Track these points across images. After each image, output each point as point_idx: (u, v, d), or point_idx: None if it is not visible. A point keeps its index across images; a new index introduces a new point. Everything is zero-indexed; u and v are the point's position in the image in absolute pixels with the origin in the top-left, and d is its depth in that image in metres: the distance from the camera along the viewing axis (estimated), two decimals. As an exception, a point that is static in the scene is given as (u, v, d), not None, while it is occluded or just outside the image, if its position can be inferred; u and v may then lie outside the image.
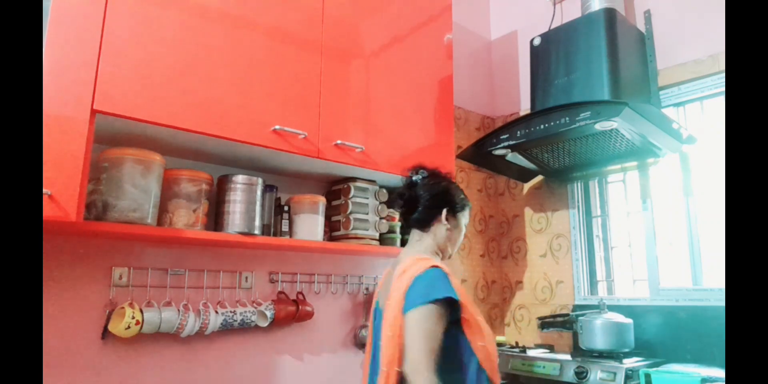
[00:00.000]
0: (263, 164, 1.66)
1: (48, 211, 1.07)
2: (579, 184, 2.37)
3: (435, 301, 1.16)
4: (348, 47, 1.71)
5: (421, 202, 1.40)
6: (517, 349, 2.15)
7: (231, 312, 1.55)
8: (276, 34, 1.53)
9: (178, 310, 1.45)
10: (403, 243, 1.96)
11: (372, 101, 1.75)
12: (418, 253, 1.36)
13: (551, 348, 2.19)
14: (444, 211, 1.39)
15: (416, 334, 1.15)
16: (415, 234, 1.43)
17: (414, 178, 1.44)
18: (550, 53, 2.18)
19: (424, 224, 1.40)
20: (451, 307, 1.19)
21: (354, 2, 1.75)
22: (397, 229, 1.94)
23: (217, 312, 1.52)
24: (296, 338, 1.80)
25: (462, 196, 1.46)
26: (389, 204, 1.93)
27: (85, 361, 1.37)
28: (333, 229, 1.81)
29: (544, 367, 1.90)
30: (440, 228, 1.39)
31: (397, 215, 1.96)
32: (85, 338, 1.38)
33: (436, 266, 1.24)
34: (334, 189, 1.86)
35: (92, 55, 1.19)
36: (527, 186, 2.54)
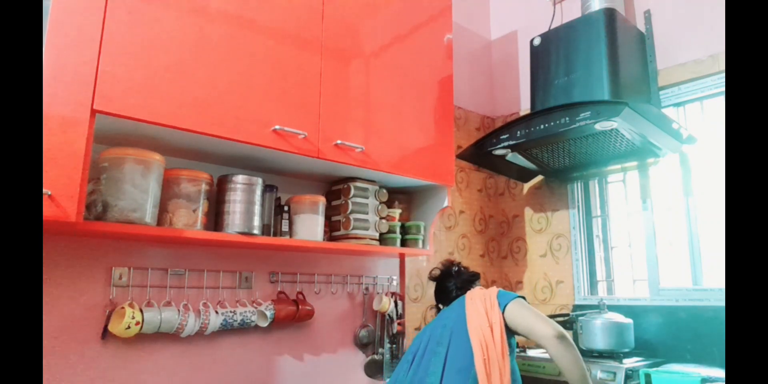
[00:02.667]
0: (263, 164, 1.66)
1: (48, 211, 1.07)
2: (579, 184, 2.37)
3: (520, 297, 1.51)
4: (348, 47, 1.71)
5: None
6: (517, 349, 2.15)
7: (231, 312, 1.55)
8: (276, 34, 1.53)
9: (178, 310, 1.45)
10: (404, 243, 1.96)
11: (372, 101, 1.75)
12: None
13: (551, 348, 2.18)
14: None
15: (529, 312, 1.44)
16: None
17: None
18: (550, 53, 2.18)
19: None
20: None
21: (354, 2, 1.75)
22: (397, 229, 1.94)
23: (217, 312, 1.52)
24: (296, 338, 1.80)
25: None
26: (389, 204, 1.93)
27: (85, 361, 1.37)
28: (333, 229, 1.81)
29: (544, 367, 1.90)
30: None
31: (397, 215, 1.96)
32: (85, 338, 1.38)
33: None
34: (334, 189, 1.86)
35: (92, 55, 1.19)
36: (527, 186, 2.54)
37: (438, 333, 1.52)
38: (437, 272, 1.71)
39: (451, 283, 1.65)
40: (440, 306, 1.70)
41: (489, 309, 1.46)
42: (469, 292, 1.58)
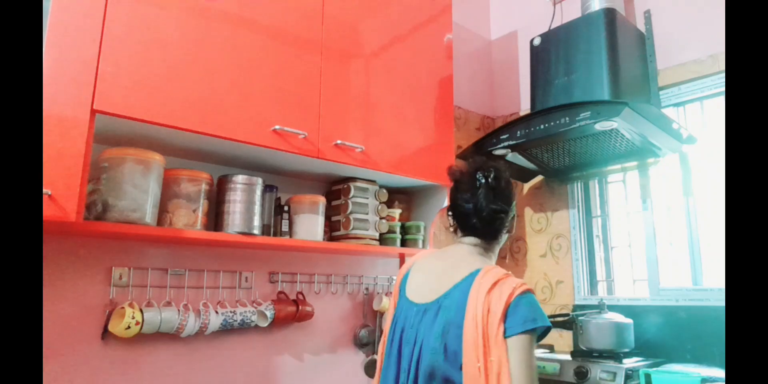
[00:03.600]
0: (263, 164, 1.66)
1: (48, 211, 1.07)
2: (579, 184, 2.37)
3: (541, 329, 1.03)
4: (348, 47, 1.71)
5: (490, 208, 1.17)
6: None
7: (231, 312, 1.55)
8: (276, 34, 1.53)
9: (178, 310, 1.45)
10: (404, 243, 1.96)
11: (372, 101, 1.75)
12: (486, 263, 1.17)
13: (551, 348, 2.19)
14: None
15: (524, 362, 0.99)
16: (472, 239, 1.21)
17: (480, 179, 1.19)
18: (550, 53, 2.18)
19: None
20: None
21: (354, 2, 1.75)
22: (397, 229, 1.94)
23: (217, 312, 1.52)
24: (296, 338, 1.80)
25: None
26: (389, 204, 1.93)
27: (85, 361, 1.37)
28: (333, 229, 1.81)
29: (544, 367, 1.90)
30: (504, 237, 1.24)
31: (396, 215, 1.96)
32: (85, 338, 1.38)
33: (531, 290, 1.07)
34: (334, 189, 1.86)
35: (92, 55, 1.19)
36: (527, 186, 2.54)
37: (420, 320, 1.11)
38: (456, 175, 1.22)
39: (472, 215, 1.17)
40: (457, 231, 1.23)
41: (494, 321, 1.01)
42: (480, 275, 1.08)
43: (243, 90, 1.43)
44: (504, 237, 1.24)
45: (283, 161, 1.63)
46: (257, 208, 1.54)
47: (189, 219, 1.43)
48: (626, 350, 1.87)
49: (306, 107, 1.56)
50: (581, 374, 1.76)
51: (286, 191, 1.77)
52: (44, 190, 1.06)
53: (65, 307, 1.36)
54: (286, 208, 1.69)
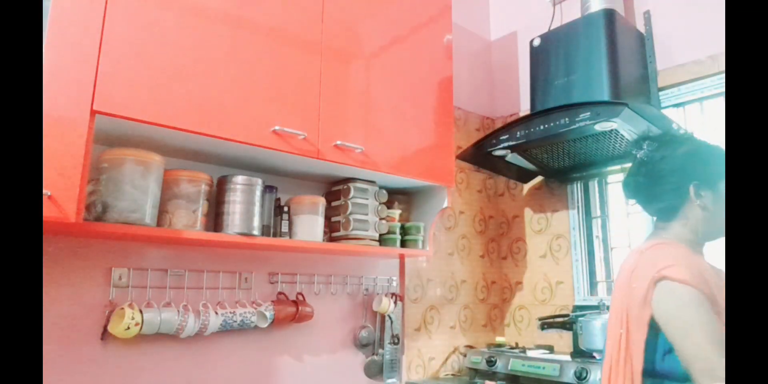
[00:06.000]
0: (263, 165, 1.66)
1: (48, 211, 1.07)
2: (579, 184, 2.37)
3: None
4: (348, 48, 1.71)
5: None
6: (517, 350, 2.15)
7: (231, 313, 1.55)
8: (276, 35, 1.53)
9: (178, 311, 1.45)
10: (403, 244, 1.96)
11: (372, 102, 1.75)
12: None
13: (551, 349, 2.19)
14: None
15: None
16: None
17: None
18: (549, 54, 2.18)
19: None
20: None
21: (354, 2, 1.75)
22: (397, 230, 1.94)
23: (216, 313, 1.52)
24: (296, 339, 1.79)
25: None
26: (389, 205, 1.92)
27: (85, 362, 1.37)
28: (333, 230, 1.81)
29: (544, 367, 1.89)
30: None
31: (396, 216, 1.96)
32: (85, 339, 1.37)
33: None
34: (334, 190, 1.86)
35: (92, 55, 1.19)
36: (527, 187, 2.54)
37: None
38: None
39: (640, 173, 1.17)
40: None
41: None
42: (641, 247, 1.14)
43: (243, 90, 1.43)
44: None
45: (283, 162, 1.63)
46: (257, 209, 1.54)
47: (189, 220, 1.43)
48: (626, 351, 1.86)
49: (306, 108, 1.56)
50: (581, 375, 1.76)
51: (286, 192, 1.77)
52: (44, 191, 1.06)
53: (65, 307, 1.35)
54: (285, 208, 1.69)
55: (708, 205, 1.12)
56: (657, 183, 1.14)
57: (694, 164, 1.13)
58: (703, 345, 0.97)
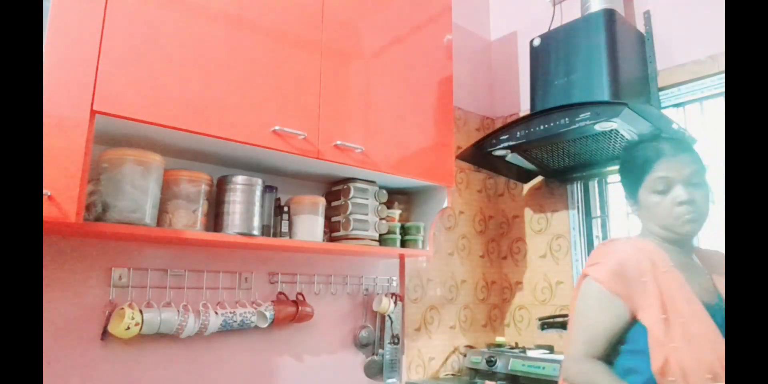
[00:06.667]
0: (263, 165, 1.66)
1: (48, 211, 1.07)
2: (579, 184, 2.37)
3: None
4: (348, 47, 1.71)
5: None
6: (517, 350, 2.15)
7: (230, 313, 1.55)
8: (276, 35, 1.53)
9: (178, 311, 1.45)
10: (403, 244, 1.96)
11: (372, 102, 1.75)
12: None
13: (551, 349, 2.19)
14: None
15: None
16: None
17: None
18: (549, 54, 2.18)
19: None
20: None
21: (354, 2, 1.75)
22: (397, 230, 1.94)
23: (216, 313, 1.52)
24: (296, 339, 1.79)
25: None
26: (389, 204, 1.92)
27: (85, 362, 1.37)
28: (333, 230, 1.81)
29: (543, 367, 1.89)
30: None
31: (396, 216, 1.96)
32: (85, 339, 1.37)
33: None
34: (334, 190, 1.86)
35: (92, 55, 1.19)
36: (527, 187, 2.54)
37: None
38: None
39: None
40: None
41: None
42: (708, 250, 1.29)
43: (243, 90, 1.43)
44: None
45: (283, 162, 1.63)
46: (257, 209, 1.54)
47: (189, 220, 1.43)
48: (626, 351, 1.86)
49: (306, 108, 1.56)
50: (581, 375, 1.75)
51: (286, 192, 1.77)
52: (44, 191, 1.06)
53: (65, 307, 1.35)
54: (285, 208, 1.69)
55: (638, 211, 1.22)
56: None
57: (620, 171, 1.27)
58: (574, 332, 1.12)
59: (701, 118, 2.05)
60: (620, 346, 1.10)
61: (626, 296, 1.08)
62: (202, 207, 1.47)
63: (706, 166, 1.21)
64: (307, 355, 1.82)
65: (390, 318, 2.02)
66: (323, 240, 1.73)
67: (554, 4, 2.51)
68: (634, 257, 1.13)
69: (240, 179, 1.53)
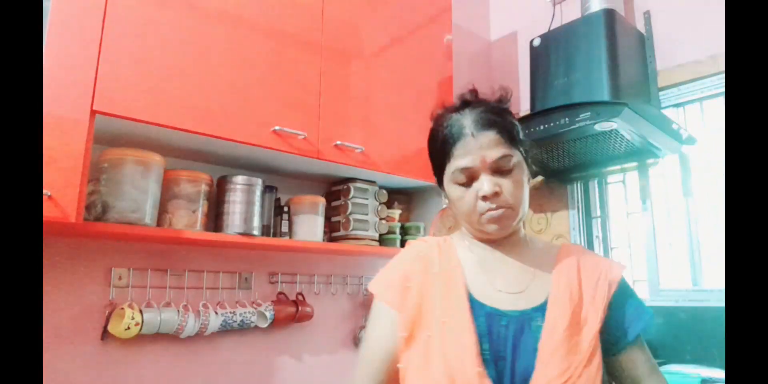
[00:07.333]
0: (263, 165, 1.66)
1: (48, 211, 1.07)
2: (579, 184, 2.37)
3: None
4: (348, 47, 1.71)
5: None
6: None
7: (231, 313, 1.55)
8: (276, 35, 1.53)
9: (178, 311, 1.45)
10: (403, 244, 1.95)
11: (372, 102, 1.75)
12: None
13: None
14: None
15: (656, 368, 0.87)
16: None
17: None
18: (549, 54, 2.18)
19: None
20: None
21: (354, 2, 1.75)
22: (397, 230, 1.94)
23: (216, 313, 1.52)
24: (296, 339, 1.79)
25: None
26: (389, 204, 1.92)
27: (85, 362, 1.37)
28: (333, 230, 1.81)
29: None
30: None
31: (396, 216, 1.95)
32: (85, 339, 1.37)
33: None
34: (334, 190, 1.86)
35: (92, 55, 1.19)
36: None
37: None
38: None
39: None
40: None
41: (594, 315, 0.84)
42: (565, 245, 0.96)
43: (243, 90, 1.43)
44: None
45: (283, 162, 1.63)
46: (257, 209, 1.54)
47: (189, 220, 1.43)
48: (626, 351, 1.86)
49: (306, 108, 1.56)
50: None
51: (286, 192, 1.77)
52: (44, 191, 1.06)
53: (65, 307, 1.35)
54: (285, 208, 1.69)
55: (448, 203, 0.96)
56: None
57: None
58: (359, 357, 0.94)
59: (701, 118, 2.05)
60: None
61: (399, 306, 0.89)
62: (202, 207, 1.47)
63: (520, 133, 0.96)
64: (307, 355, 1.82)
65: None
66: (323, 240, 1.73)
67: (554, 4, 2.51)
68: (408, 258, 0.95)
69: (240, 179, 1.53)
